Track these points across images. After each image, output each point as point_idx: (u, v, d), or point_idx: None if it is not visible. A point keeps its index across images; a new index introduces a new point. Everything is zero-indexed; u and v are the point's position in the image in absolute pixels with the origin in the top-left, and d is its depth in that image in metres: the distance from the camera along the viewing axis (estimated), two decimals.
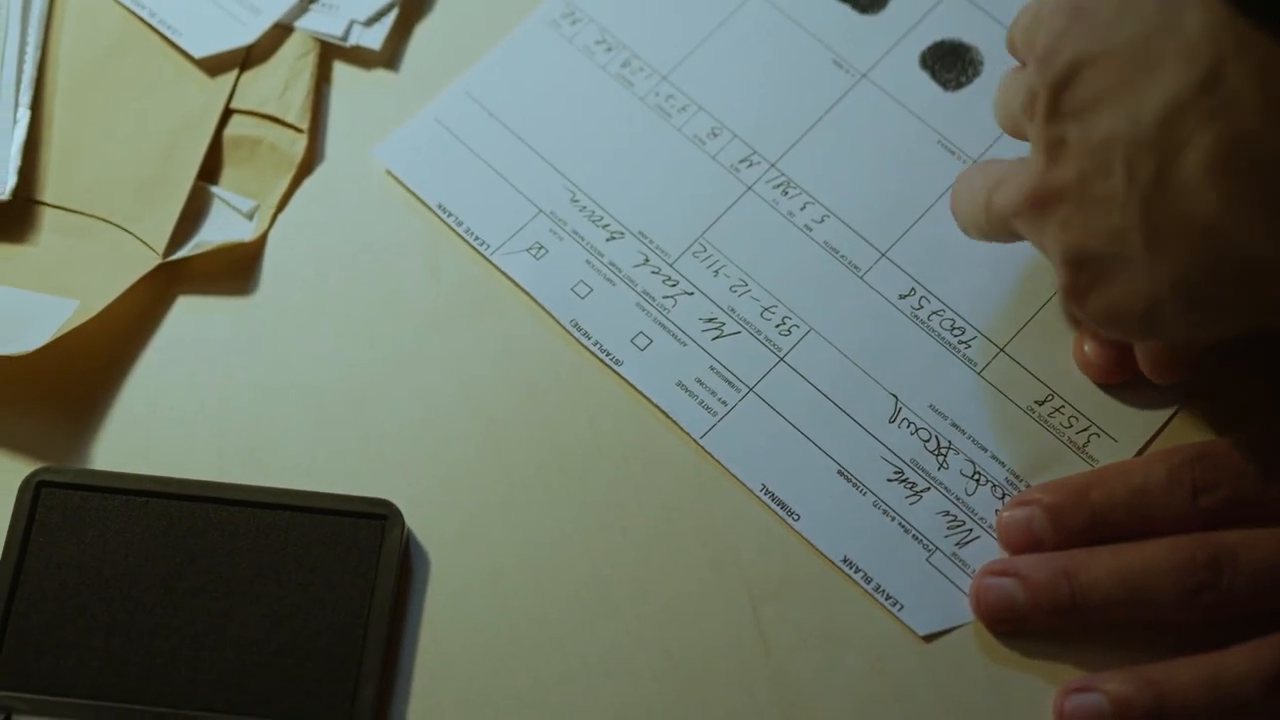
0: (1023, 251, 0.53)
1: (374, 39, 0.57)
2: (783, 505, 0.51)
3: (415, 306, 0.54)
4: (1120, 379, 0.52)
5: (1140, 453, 0.51)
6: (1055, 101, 0.45)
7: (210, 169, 0.56)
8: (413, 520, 0.50)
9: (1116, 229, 0.44)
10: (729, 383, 0.52)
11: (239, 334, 0.54)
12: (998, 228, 0.49)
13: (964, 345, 0.53)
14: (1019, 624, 0.49)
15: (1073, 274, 0.46)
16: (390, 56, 0.58)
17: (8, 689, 0.47)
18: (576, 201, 0.55)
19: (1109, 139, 0.43)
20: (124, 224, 0.54)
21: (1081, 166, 0.44)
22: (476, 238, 0.55)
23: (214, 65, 0.57)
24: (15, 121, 0.55)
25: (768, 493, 0.51)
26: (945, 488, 0.51)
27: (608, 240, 0.55)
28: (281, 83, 0.57)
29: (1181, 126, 0.42)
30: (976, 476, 0.51)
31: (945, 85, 0.57)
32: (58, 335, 0.51)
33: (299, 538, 0.49)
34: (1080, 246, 0.45)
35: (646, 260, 0.54)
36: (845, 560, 0.50)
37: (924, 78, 0.57)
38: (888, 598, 0.49)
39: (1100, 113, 0.44)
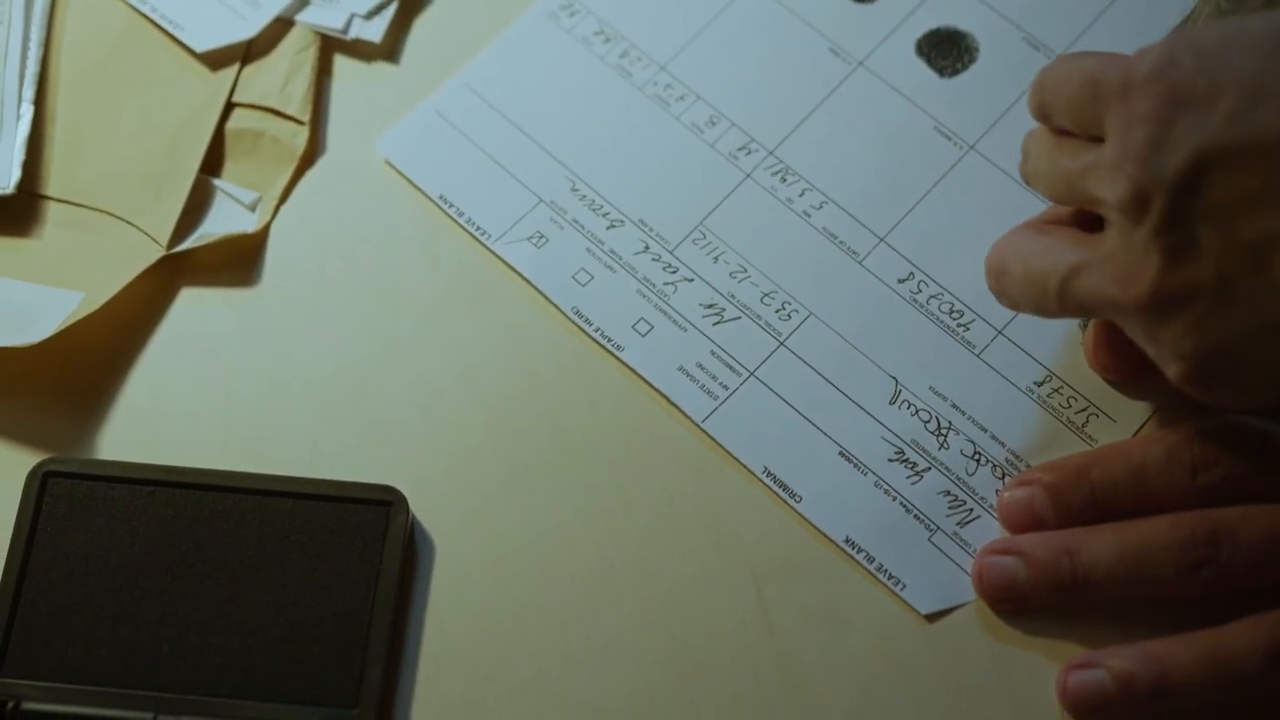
0: None
1: (374, 32, 0.58)
2: (784, 487, 0.51)
3: (417, 296, 0.54)
4: (1135, 379, 0.52)
5: (1138, 432, 0.51)
6: (1179, 205, 0.42)
7: (212, 162, 0.56)
8: (417, 506, 0.51)
9: (1269, 325, 0.43)
10: (730, 367, 0.53)
11: (242, 325, 0.54)
12: (1073, 312, 0.47)
13: (963, 328, 0.53)
14: (1021, 602, 0.49)
15: (1201, 367, 0.44)
16: (390, 49, 0.58)
17: (17, 677, 0.48)
18: (576, 190, 0.56)
19: (1265, 239, 0.42)
20: (128, 217, 0.55)
21: (1222, 267, 0.43)
22: (477, 227, 0.55)
23: (215, 59, 0.57)
24: (19, 117, 0.56)
25: (769, 475, 0.51)
26: (946, 468, 0.51)
27: (608, 228, 0.55)
28: (282, 76, 0.57)
29: None
30: (977, 456, 0.51)
31: (941, 72, 0.57)
32: (63, 327, 0.51)
33: (304, 524, 0.50)
34: (1218, 344, 0.44)
35: (646, 248, 0.55)
36: (847, 541, 0.50)
37: (920, 65, 0.57)
38: (890, 577, 0.50)
39: (1249, 214, 0.42)
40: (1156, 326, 0.45)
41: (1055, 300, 0.47)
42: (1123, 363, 0.51)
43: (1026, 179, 0.50)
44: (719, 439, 0.52)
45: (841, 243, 0.55)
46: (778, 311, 0.54)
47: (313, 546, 0.49)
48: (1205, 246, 0.43)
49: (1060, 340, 0.53)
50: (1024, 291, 0.48)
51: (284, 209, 0.56)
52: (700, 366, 0.53)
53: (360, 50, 0.58)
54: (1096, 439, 0.51)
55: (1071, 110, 0.46)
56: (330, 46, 0.58)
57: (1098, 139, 0.45)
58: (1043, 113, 0.48)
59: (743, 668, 0.49)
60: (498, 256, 0.55)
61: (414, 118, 0.57)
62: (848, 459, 0.51)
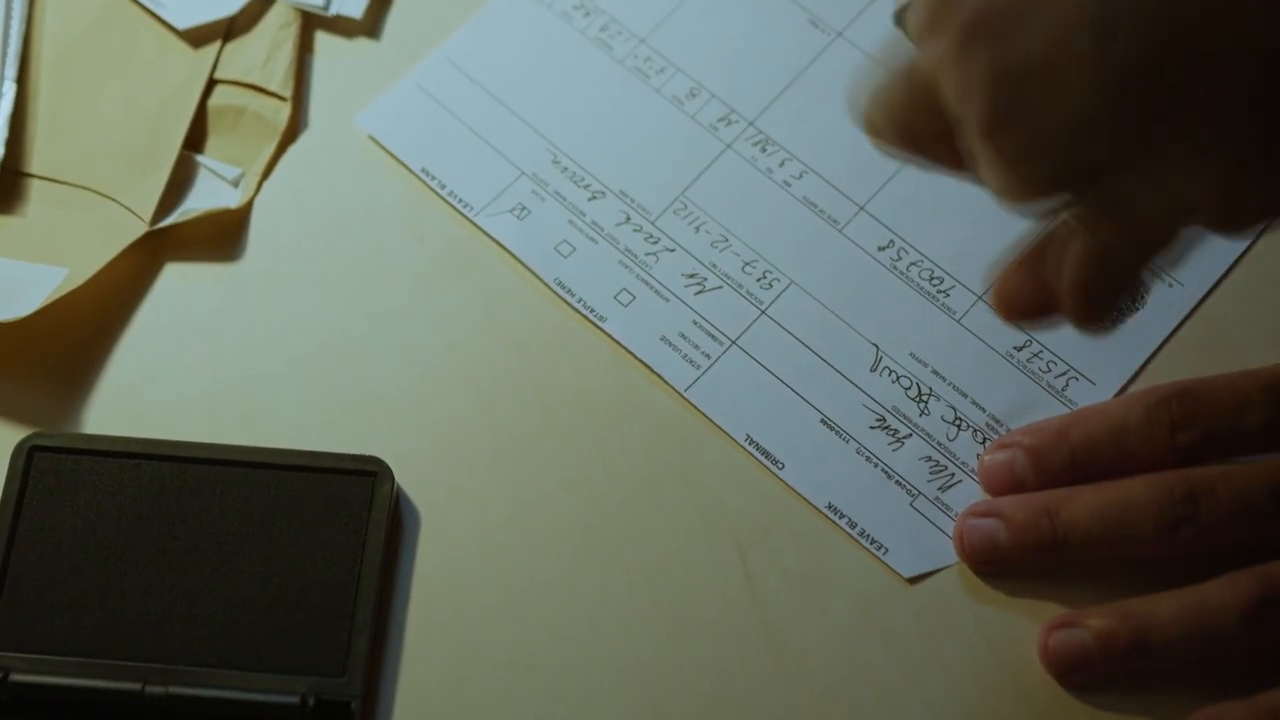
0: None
1: (355, 8, 0.58)
2: (767, 455, 0.51)
3: (401, 269, 0.55)
4: (1034, 316, 0.44)
5: (1118, 395, 0.52)
6: None
7: (195, 138, 0.56)
8: (402, 477, 0.51)
9: (1060, 28, 0.39)
10: (712, 336, 0.53)
11: (227, 299, 0.54)
12: (918, 101, 0.43)
13: (943, 294, 0.53)
14: (1002, 564, 0.49)
15: (995, 104, 0.40)
16: (371, 25, 0.59)
17: (5, 649, 0.48)
18: (558, 163, 0.56)
19: None
20: (111, 193, 0.55)
21: None
22: (460, 200, 0.55)
23: (197, 36, 0.57)
24: (1, 95, 0.56)
25: (752, 443, 0.51)
26: (927, 434, 0.51)
27: (589, 200, 0.55)
28: (264, 52, 0.57)
29: None
30: (957, 422, 0.52)
31: None
32: (48, 302, 0.52)
33: (290, 495, 0.50)
34: (1011, 68, 0.39)
35: (628, 219, 0.55)
36: (830, 507, 0.51)
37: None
38: (873, 542, 0.50)
39: None
40: (964, 68, 0.40)
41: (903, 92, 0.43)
42: (1020, 297, 0.44)
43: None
44: (702, 408, 0.52)
45: (821, 211, 0.55)
46: (759, 280, 0.54)
47: (299, 517, 0.50)
48: None
49: None
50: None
51: (267, 184, 0.56)
52: (682, 336, 0.53)
53: (341, 26, 0.59)
54: (1076, 402, 0.52)
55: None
56: (311, 23, 0.58)
57: None
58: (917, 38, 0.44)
59: (727, 633, 0.49)
60: (480, 229, 0.55)
61: (395, 92, 0.57)
62: (829, 426, 0.52)
